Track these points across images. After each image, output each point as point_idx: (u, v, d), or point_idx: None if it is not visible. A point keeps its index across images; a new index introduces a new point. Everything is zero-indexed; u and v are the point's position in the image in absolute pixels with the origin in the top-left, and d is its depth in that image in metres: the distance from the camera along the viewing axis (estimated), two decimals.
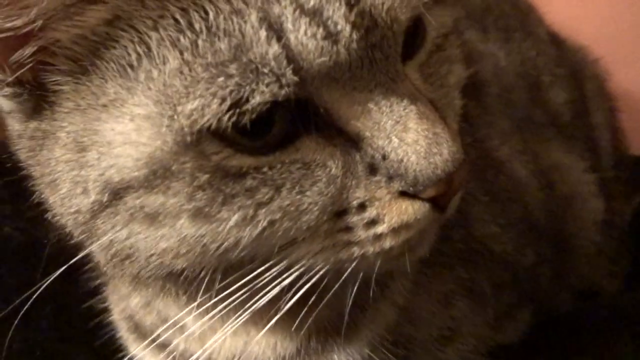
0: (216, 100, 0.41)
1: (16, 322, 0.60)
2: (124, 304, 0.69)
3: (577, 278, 0.90)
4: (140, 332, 0.67)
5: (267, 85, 0.41)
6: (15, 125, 0.49)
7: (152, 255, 0.47)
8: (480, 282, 0.70)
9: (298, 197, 0.45)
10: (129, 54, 0.43)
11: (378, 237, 0.47)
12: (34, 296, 0.53)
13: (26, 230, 0.93)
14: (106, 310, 0.75)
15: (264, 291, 0.47)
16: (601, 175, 0.93)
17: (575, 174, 0.89)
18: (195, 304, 0.51)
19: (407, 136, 0.45)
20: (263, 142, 0.44)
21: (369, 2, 0.43)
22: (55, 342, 0.85)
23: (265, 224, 0.45)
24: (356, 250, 0.47)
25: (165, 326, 0.59)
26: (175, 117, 0.42)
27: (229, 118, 0.41)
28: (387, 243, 0.47)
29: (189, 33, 0.42)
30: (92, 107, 0.44)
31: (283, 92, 0.42)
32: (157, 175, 0.43)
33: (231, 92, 0.41)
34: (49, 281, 0.50)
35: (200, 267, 0.47)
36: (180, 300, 0.55)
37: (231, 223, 0.44)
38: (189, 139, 0.42)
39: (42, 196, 0.50)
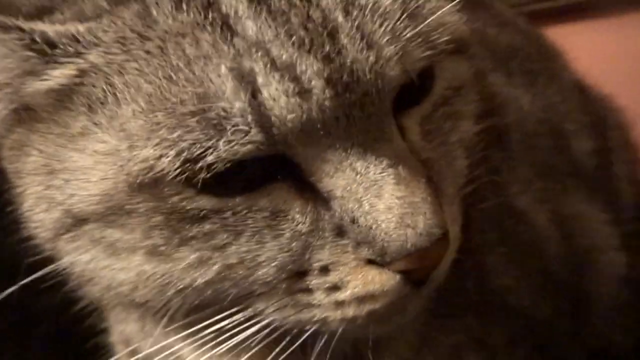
0: (172, 152, 0.40)
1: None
2: (121, 327, 0.67)
3: (592, 336, 0.87)
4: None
5: (229, 142, 0.39)
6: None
7: (111, 284, 0.46)
8: (493, 335, 0.67)
9: (257, 247, 0.43)
10: (96, 92, 0.42)
11: (340, 303, 0.44)
12: None
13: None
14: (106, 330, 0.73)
15: (229, 334, 0.46)
16: (623, 229, 0.90)
17: (595, 225, 0.86)
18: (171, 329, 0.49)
19: (379, 202, 0.42)
20: (230, 184, 0.42)
21: (350, 57, 0.41)
22: None
23: (219, 268, 0.43)
24: (317, 314, 0.45)
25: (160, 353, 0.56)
26: (131, 159, 0.41)
27: (183, 172, 0.40)
28: (350, 312, 0.45)
29: (152, 78, 0.41)
30: (63, 136, 0.44)
31: (245, 149, 0.40)
32: (112, 212, 0.42)
33: (190, 146, 0.39)
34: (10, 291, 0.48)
35: (161, 302, 0.46)
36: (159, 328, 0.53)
37: (185, 264, 0.43)
38: (141, 180, 0.41)
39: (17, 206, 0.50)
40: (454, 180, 0.50)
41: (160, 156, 0.40)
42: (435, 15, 0.46)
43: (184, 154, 0.40)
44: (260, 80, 0.40)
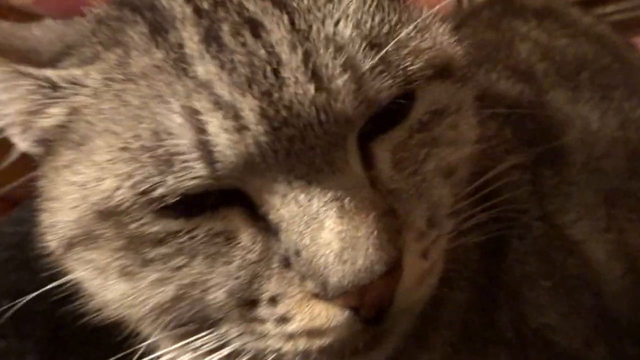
0: (126, 185, 0.42)
1: None
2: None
3: None
4: None
5: (176, 178, 0.41)
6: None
7: (103, 300, 0.49)
8: None
9: (208, 270, 0.44)
10: (81, 129, 0.46)
11: (290, 336, 0.44)
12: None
13: None
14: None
15: (208, 352, 0.47)
16: None
17: None
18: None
19: (320, 235, 0.41)
20: (187, 207, 0.43)
21: (290, 92, 0.41)
22: None
23: (176, 287, 0.45)
24: (271, 344, 0.45)
25: None
26: (94, 190, 0.44)
27: (136, 203, 0.42)
28: (301, 345, 0.44)
29: (119, 116, 0.43)
30: (56, 167, 0.48)
31: (192, 183, 0.41)
32: (86, 237, 0.46)
33: (143, 179, 0.42)
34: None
35: (145, 318, 0.48)
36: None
37: (148, 282, 0.45)
38: (103, 209, 0.44)
39: None
40: (428, 212, 0.47)
41: (117, 188, 0.43)
42: (398, 40, 0.44)
43: (137, 187, 0.42)
44: (204, 118, 0.41)
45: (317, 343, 0.44)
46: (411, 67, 0.44)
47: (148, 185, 0.42)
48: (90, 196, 0.45)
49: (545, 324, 0.62)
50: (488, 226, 0.55)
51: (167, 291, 0.45)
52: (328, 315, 0.43)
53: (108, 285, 0.47)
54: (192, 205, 0.43)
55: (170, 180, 0.41)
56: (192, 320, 0.47)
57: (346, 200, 0.42)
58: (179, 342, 0.48)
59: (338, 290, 0.41)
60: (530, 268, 0.62)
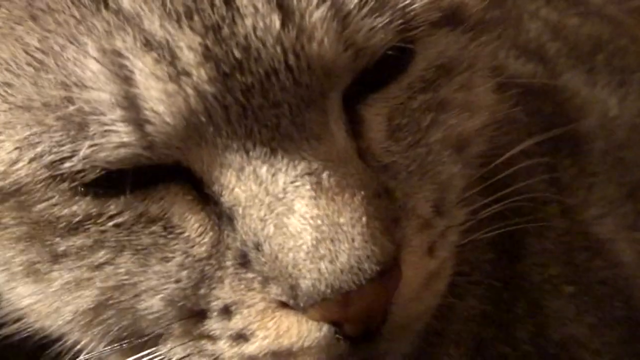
0: (26, 156, 0.33)
1: None
2: None
3: None
4: None
5: (95, 146, 0.31)
6: None
7: (21, 306, 0.39)
8: None
9: (139, 270, 0.34)
10: None
11: (251, 358, 0.34)
12: None
13: None
14: None
15: None
16: None
17: None
18: None
19: (288, 223, 0.32)
20: (113, 182, 0.33)
21: (246, 24, 0.31)
22: None
23: (98, 291, 0.35)
24: None
25: None
26: None
27: (42, 180, 0.33)
28: None
29: (18, 65, 0.33)
30: None
31: (117, 154, 0.31)
32: None
33: (49, 149, 0.32)
34: None
35: (77, 331, 0.39)
36: None
37: (59, 285, 0.36)
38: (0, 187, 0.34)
39: None
40: (434, 195, 0.37)
41: (16, 160, 0.33)
42: None
43: (41, 159, 0.33)
44: (130, 63, 0.31)
45: None
46: (411, 7, 0.35)
47: (55, 157, 0.32)
48: None
49: (570, 336, 0.53)
50: (503, 219, 0.46)
51: (86, 296, 0.35)
52: (300, 332, 0.33)
53: (15, 287, 0.38)
54: (117, 180, 0.33)
55: (85, 149, 0.31)
56: (126, 336, 0.37)
57: (324, 175, 0.32)
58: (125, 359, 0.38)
59: (312, 298, 0.31)
60: (552, 271, 0.54)
